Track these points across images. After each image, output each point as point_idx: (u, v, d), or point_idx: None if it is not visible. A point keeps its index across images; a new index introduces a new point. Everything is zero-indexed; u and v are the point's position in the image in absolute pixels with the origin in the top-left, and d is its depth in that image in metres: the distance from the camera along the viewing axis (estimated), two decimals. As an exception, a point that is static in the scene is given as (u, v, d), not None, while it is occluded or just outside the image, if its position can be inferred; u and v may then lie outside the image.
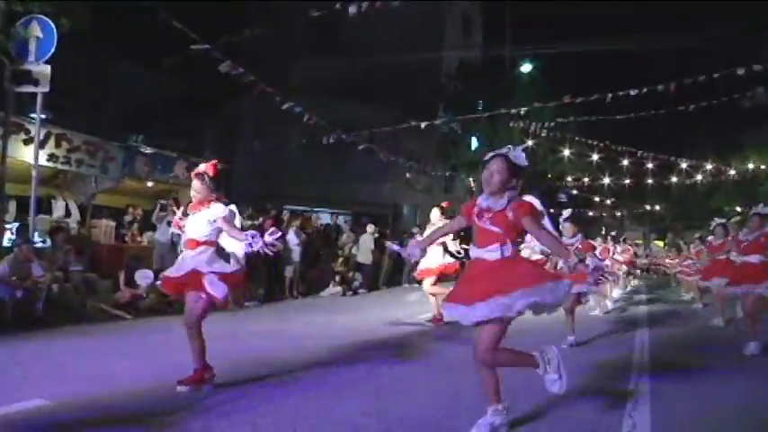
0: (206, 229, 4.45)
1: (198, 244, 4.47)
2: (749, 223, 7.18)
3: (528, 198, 3.59)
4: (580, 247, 6.87)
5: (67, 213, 13.03)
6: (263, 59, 20.78)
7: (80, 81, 18.27)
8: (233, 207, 4.60)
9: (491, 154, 3.58)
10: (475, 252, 3.58)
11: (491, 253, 3.45)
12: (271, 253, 4.38)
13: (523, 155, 3.55)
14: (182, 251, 4.69)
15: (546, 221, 3.62)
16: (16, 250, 7.68)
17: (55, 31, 8.17)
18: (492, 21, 30.02)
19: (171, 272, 4.59)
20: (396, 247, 6.20)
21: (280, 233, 4.37)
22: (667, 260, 20.54)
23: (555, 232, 5.77)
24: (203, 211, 4.46)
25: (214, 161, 4.67)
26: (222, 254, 4.53)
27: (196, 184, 4.54)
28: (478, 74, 25.61)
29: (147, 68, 21.27)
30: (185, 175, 14.96)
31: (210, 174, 4.52)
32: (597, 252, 10.21)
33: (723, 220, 9.90)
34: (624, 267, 16.70)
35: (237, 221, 4.68)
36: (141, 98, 21.95)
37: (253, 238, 4.29)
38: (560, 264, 8.87)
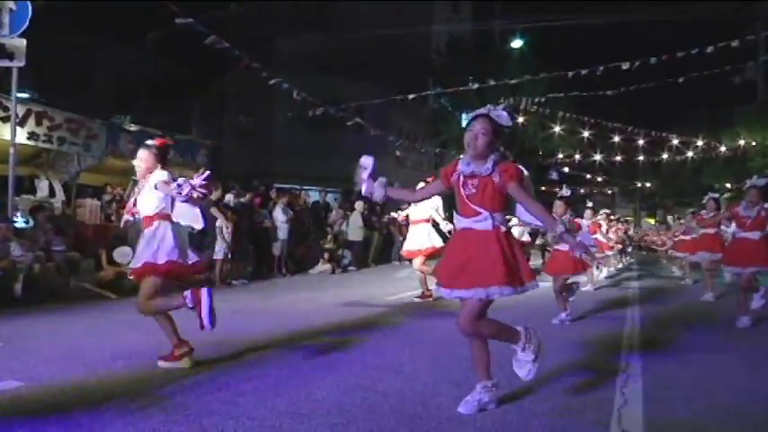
0: (154, 199, 4.30)
1: (151, 220, 4.33)
2: (748, 197, 6.87)
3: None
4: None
5: (52, 193, 12.81)
6: (249, 36, 20.48)
7: (64, 58, 17.95)
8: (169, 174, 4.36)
9: (473, 114, 3.36)
10: (462, 222, 3.39)
11: (480, 223, 3.28)
12: (199, 196, 4.04)
13: (506, 114, 3.33)
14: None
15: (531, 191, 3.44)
16: (-7, 230, 7.49)
17: (29, 2, 7.88)
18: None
19: (133, 262, 4.45)
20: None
21: (208, 172, 4.16)
22: (656, 238, 20.54)
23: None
24: (148, 180, 4.33)
25: (162, 137, 4.57)
26: (182, 233, 4.36)
27: (143, 153, 4.41)
28: (468, 49, 25.34)
29: (134, 46, 21.01)
30: (171, 153, 14.78)
31: (157, 144, 4.40)
32: (585, 226, 10.24)
33: (716, 195, 9.98)
34: (618, 246, 16.46)
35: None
36: (127, 76, 21.65)
37: (179, 186, 4.00)
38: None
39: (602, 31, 24.21)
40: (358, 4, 25.46)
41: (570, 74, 14.07)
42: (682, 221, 15.00)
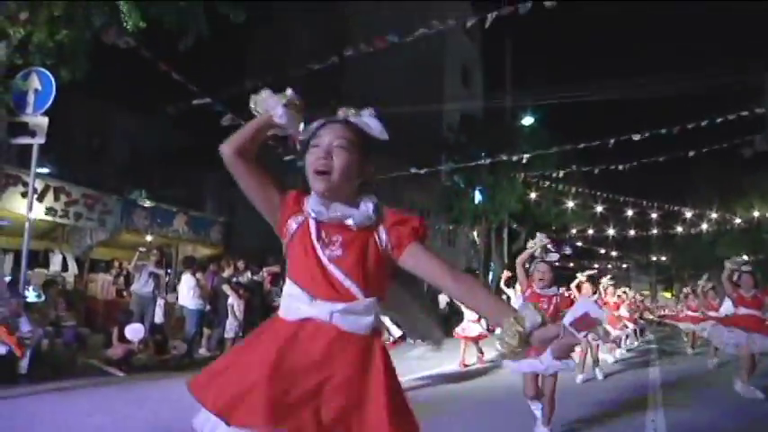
0: None
1: None
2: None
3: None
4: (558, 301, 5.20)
5: (65, 267, 12.88)
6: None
7: (79, 131, 18.40)
8: None
9: (319, 122, 1.97)
10: (310, 309, 1.79)
11: (353, 318, 1.79)
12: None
13: (376, 120, 1.97)
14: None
15: None
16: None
17: (54, 83, 8.13)
18: (491, 69, 30.43)
19: None
20: None
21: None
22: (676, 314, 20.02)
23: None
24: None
25: None
26: None
27: None
28: (480, 125, 25.76)
29: (147, 119, 21.53)
30: (185, 228, 14.89)
31: None
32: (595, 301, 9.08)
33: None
34: (630, 325, 13.94)
35: None
36: (141, 149, 22.08)
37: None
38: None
39: (613, 106, 24.60)
40: (370, 79, 26.18)
41: (582, 146, 14.19)
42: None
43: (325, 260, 1.81)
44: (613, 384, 8.37)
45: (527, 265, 5.54)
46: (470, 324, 10.57)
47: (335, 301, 1.78)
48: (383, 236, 1.85)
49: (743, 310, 7.61)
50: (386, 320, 8.68)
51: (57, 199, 11.19)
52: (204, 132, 21.09)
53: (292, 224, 1.90)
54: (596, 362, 9.12)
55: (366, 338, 1.80)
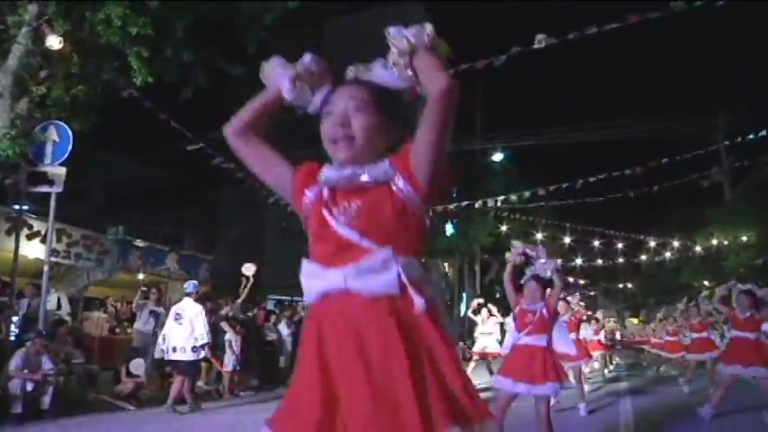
0: None
1: None
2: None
3: None
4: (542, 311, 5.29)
5: (59, 306, 13.19)
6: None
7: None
8: None
9: (328, 87, 1.83)
10: (321, 282, 1.65)
11: (363, 279, 1.59)
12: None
13: (390, 71, 1.79)
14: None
15: None
16: (29, 344, 7.88)
17: (71, 134, 8.72)
18: (461, 107, 31.54)
19: None
20: None
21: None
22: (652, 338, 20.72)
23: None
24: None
25: None
26: None
27: None
28: (451, 162, 26.73)
29: (128, 157, 21.84)
30: (175, 267, 15.36)
31: None
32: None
33: (747, 286, 7.97)
34: (597, 351, 14.13)
35: None
36: (122, 186, 22.33)
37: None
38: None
39: (581, 145, 25.87)
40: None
41: (552, 188, 15.12)
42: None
43: (335, 225, 1.65)
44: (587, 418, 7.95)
45: (518, 280, 5.53)
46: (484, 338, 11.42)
47: (347, 263, 1.60)
48: (400, 182, 1.66)
49: (735, 334, 7.46)
50: None
51: (59, 240, 11.65)
52: (181, 172, 21.53)
53: (309, 195, 1.76)
54: (583, 393, 8.52)
55: (395, 300, 1.57)
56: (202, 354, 8.94)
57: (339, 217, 1.66)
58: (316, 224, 1.70)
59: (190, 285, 8.92)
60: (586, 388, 10.77)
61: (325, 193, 1.72)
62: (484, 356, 12.42)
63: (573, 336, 9.00)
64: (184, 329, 8.64)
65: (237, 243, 22.79)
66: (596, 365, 13.97)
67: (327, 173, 1.72)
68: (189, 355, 8.64)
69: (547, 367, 4.99)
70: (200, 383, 11.14)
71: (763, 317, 7.43)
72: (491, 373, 11.36)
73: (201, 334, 8.73)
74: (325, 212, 1.68)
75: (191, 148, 11.54)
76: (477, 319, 13.14)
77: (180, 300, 9.37)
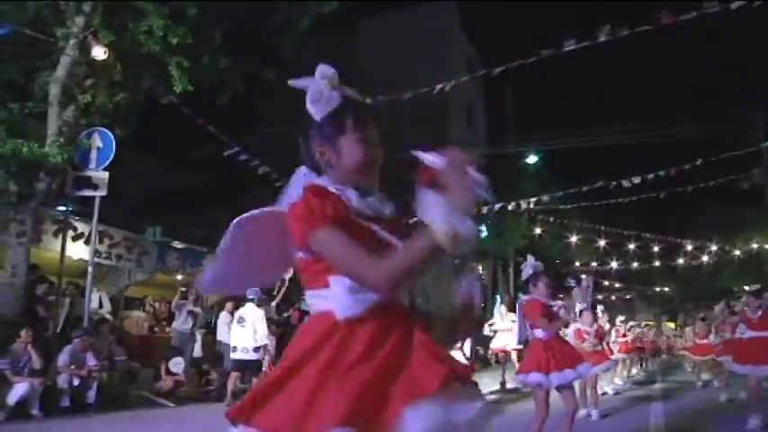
0: None
1: None
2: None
3: None
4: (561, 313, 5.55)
5: (100, 305, 13.66)
6: (274, 152, 21.80)
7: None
8: None
9: (340, 99, 1.76)
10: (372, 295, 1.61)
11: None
12: None
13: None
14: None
15: None
16: (76, 341, 8.26)
17: (113, 141, 9.08)
18: (494, 108, 31.47)
19: None
20: None
21: None
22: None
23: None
24: None
25: None
26: None
27: None
28: (484, 165, 26.75)
29: (164, 160, 22.36)
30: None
31: None
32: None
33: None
34: (619, 355, 13.41)
35: None
36: (158, 189, 22.86)
37: None
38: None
39: (615, 147, 25.61)
40: (377, 123, 27.17)
41: (585, 189, 15.05)
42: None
43: (390, 239, 1.66)
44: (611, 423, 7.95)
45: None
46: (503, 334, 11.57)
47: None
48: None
49: (749, 334, 7.41)
50: None
51: (101, 242, 12.05)
52: (217, 174, 21.85)
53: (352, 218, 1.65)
54: (596, 400, 8.38)
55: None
56: (259, 355, 9.53)
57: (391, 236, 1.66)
58: (368, 240, 1.61)
59: (251, 292, 9.31)
60: (609, 390, 11.01)
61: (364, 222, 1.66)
62: (505, 352, 12.41)
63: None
64: (247, 331, 9.29)
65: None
66: (616, 380, 12.92)
67: (357, 201, 1.68)
68: (251, 355, 9.28)
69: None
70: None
71: None
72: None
73: (262, 336, 9.42)
74: (381, 232, 1.65)
75: (227, 153, 11.80)
76: (496, 313, 13.17)
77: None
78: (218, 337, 11.48)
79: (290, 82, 1.79)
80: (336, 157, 1.73)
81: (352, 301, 1.58)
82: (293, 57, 11.05)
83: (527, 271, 5.47)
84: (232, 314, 11.27)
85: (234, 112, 13.09)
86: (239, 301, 11.94)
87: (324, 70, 1.74)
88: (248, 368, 9.44)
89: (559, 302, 5.57)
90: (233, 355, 9.41)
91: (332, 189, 1.66)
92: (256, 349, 9.36)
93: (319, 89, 1.73)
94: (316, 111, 1.74)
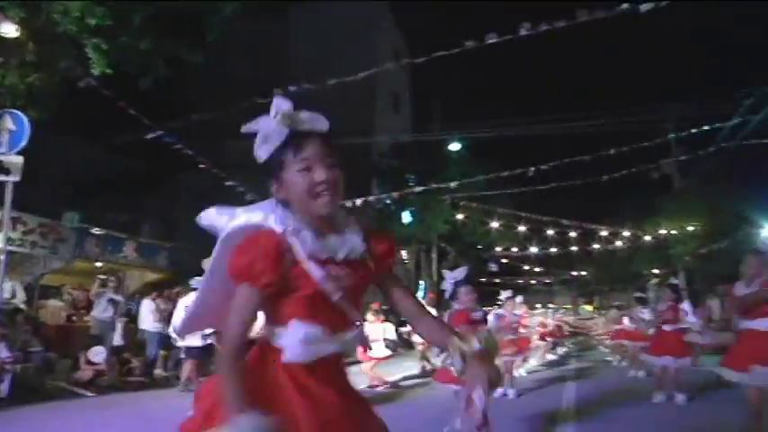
0: None
1: None
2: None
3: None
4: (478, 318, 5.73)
5: (13, 295, 13.09)
6: (201, 137, 21.26)
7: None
8: None
9: (282, 130, 1.74)
10: (329, 345, 1.75)
11: (350, 345, 1.83)
12: None
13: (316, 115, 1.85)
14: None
15: None
16: (-15, 332, 7.93)
17: (27, 123, 8.67)
18: (420, 96, 31.94)
19: None
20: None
21: None
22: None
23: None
24: None
25: None
26: None
27: None
28: (410, 151, 27.04)
29: (85, 143, 21.44)
30: (133, 255, 15.33)
31: None
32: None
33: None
34: (536, 340, 13.96)
35: None
36: (78, 173, 21.95)
37: None
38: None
39: (536, 137, 26.43)
40: (303, 108, 27.02)
41: (505, 174, 15.55)
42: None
43: (333, 295, 1.71)
44: (527, 400, 8.45)
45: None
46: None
47: (346, 330, 1.76)
48: (371, 263, 1.81)
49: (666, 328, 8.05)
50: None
51: (14, 229, 11.55)
52: (140, 159, 21.19)
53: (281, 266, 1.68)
54: (511, 378, 8.86)
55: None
56: (209, 340, 9.26)
57: (331, 286, 1.70)
58: (310, 292, 1.69)
59: (195, 281, 9.17)
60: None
61: (312, 266, 1.69)
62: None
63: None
64: None
65: (197, 231, 22.56)
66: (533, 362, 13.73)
67: (311, 245, 1.70)
68: (199, 341, 9.14)
69: None
70: (157, 371, 11.26)
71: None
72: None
73: None
74: (323, 282, 1.69)
75: (150, 136, 11.51)
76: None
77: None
78: (142, 326, 11.27)
79: (243, 129, 1.78)
80: (287, 193, 1.74)
81: (302, 350, 1.67)
82: (222, 42, 10.86)
83: (449, 287, 5.70)
84: (155, 302, 11.12)
85: (163, 97, 12.76)
86: (161, 291, 11.80)
87: (279, 104, 1.74)
88: (201, 355, 9.39)
89: (480, 312, 5.87)
90: (182, 343, 9.34)
91: (277, 236, 1.69)
92: (204, 336, 9.08)
93: (265, 133, 1.73)
94: (261, 154, 1.75)
